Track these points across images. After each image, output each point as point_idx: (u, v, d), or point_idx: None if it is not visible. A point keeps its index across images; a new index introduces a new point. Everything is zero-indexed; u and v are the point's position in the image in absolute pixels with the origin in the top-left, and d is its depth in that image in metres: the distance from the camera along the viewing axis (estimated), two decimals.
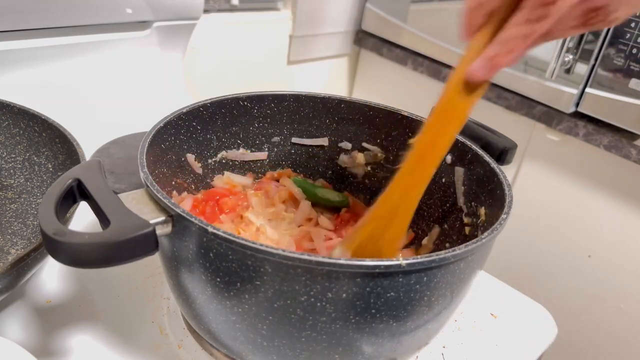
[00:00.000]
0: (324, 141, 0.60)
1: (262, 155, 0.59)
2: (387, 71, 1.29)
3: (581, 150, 1.01)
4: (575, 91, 0.97)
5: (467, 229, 0.50)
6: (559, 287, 1.10)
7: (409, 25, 1.19)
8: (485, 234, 0.37)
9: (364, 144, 0.58)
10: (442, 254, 0.34)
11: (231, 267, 0.35)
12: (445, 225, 0.53)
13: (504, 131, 0.52)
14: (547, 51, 0.97)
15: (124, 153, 0.72)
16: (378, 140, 0.58)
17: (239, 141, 0.57)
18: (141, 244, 0.33)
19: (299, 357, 0.38)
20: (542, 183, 1.08)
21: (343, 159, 0.60)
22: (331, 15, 1.22)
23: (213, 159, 0.55)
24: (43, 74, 0.77)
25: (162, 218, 0.35)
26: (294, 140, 0.59)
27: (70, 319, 0.47)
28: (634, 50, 0.90)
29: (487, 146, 0.50)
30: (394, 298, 0.35)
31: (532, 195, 1.09)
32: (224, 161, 0.57)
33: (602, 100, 0.94)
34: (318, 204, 0.58)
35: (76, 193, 0.37)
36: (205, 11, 0.98)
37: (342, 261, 0.32)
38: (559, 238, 1.08)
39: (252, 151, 0.58)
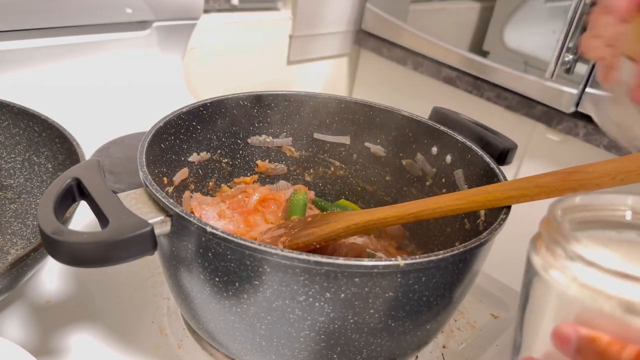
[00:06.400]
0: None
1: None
2: (387, 71, 1.29)
3: (581, 150, 1.00)
4: (575, 91, 0.97)
5: (467, 229, 0.49)
6: None
7: (409, 25, 1.19)
8: (485, 234, 0.37)
9: (366, 144, 0.58)
10: (441, 254, 0.34)
11: (230, 266, 0.35)
12: (445, 226, 0.53)
13: (504, 131, 0.52)
14: (547, 51, 0.97)
15: (123, 153, 0.72)
16: (378, 140, 0.57)
17: (238, 140, 0.57)
18: (140, 243, 0.33)
19: (297, 357, 0.38)
20: None
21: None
22: (331, 15, 1.22)
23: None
24: (43, 74, 0.77)
25: (160, 217, 0.35)
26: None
27: (69, 319, 0.47)
28: None
29: (487, 146, 0.49)
30: (392, 298, 0.35)
31: None
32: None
33: None
34: None
35: (75, 192, 0.37)
36: (205, 11, 0.99)
37: (340, 261, 0.32)
38: None
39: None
